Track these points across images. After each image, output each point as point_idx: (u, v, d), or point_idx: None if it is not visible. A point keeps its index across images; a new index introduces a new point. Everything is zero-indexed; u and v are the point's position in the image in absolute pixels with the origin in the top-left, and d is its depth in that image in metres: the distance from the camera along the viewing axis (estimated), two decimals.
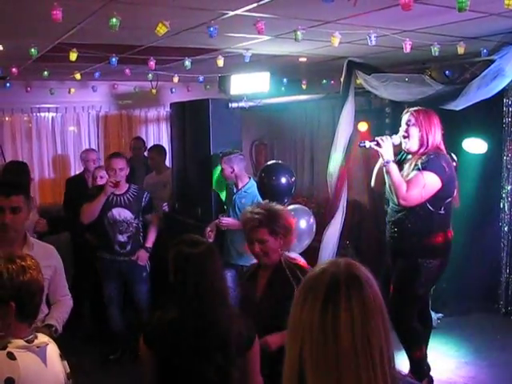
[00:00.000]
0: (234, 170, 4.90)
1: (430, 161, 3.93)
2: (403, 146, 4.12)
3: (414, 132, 4.03)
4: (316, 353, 1.25)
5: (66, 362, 2.21)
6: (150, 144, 7.48)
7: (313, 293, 1.29)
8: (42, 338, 2.11)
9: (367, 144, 4.11)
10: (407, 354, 4.16)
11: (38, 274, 2.08)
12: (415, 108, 4.13)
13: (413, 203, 3.96)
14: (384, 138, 4.07)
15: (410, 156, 4.13)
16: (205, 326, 2.36)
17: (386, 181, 4.09)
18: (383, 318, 1.28)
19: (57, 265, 3.08)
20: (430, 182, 3.89)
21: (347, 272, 1.30)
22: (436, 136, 4.01)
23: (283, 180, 4.51)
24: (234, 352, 2.39)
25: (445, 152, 4.07)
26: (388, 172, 4.00)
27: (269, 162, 4.99)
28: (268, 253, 2.97)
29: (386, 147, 4.01)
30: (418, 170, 3.92)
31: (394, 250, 4.23)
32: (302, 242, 4.39)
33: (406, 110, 4.17)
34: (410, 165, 4.04)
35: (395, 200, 4.02)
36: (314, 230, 4.50)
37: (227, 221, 4.82)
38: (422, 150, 4.01)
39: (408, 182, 3.94)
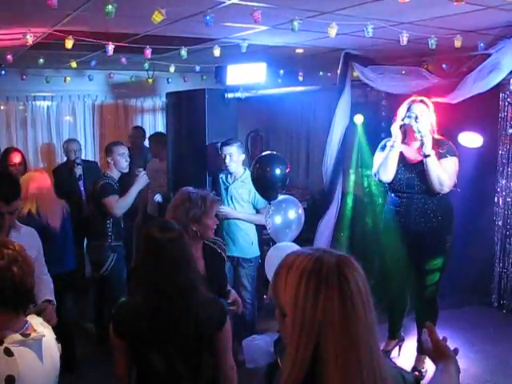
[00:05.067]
0: (232, 158, 4.88)
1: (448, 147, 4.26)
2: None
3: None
4: (340, 339, 1.28)
5: (59, 345, 2.15)
6: (146, 134, 7.44)
7: (324, 284, 1.31)
8: (37, 327, 2.03)
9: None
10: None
11: (21, 277, 1.90)
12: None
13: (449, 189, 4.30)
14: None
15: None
16: (174, 311, 2.33)
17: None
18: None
19: (40, 245, 3.27)
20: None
21: (341, 258, 1.37)
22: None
23: (277, 171, 4.48)
24: (205, 338, 2.38)
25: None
26: (431, 163, 4.15)
27: (263, 153, 4.96)
28: None
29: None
30: (445, 157, 4.21)
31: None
32: (292, 231, 4.39)
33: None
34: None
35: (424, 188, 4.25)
36: (303, 220, 4.48)
37: (225, 209, 4.79)
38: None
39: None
